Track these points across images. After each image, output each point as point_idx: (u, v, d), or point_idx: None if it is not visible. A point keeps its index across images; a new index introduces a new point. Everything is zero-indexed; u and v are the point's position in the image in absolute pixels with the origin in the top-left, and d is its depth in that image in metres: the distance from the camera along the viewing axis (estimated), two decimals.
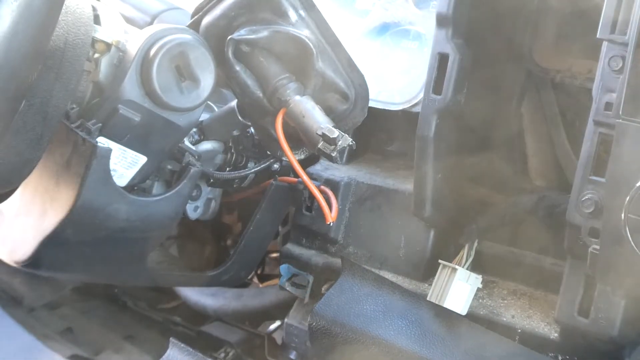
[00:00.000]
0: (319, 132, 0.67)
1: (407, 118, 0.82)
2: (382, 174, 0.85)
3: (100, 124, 0.68)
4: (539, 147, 0.82)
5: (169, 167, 0.77)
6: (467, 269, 0.75)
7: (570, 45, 0.77)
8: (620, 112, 0.62)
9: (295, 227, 0.87)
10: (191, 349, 0.83)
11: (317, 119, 0.68)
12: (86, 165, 0.67)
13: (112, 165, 0.69)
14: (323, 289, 0.82)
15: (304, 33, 0.70)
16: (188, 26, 0.72)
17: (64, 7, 0.58)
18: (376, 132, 0.90)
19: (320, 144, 0.67)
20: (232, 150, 0.82)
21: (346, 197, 0.84)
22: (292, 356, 0.94)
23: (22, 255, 0.71)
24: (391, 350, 0.71)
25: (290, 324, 0.84)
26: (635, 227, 0.60)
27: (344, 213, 0.84)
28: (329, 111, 0.72)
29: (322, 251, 0.85)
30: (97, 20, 0.71)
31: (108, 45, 0.71)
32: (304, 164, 0.81)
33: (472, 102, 0.75)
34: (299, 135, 0.71)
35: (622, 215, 0.60)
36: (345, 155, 0.88)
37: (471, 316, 0.74)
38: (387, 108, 0.83)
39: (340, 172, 0.86)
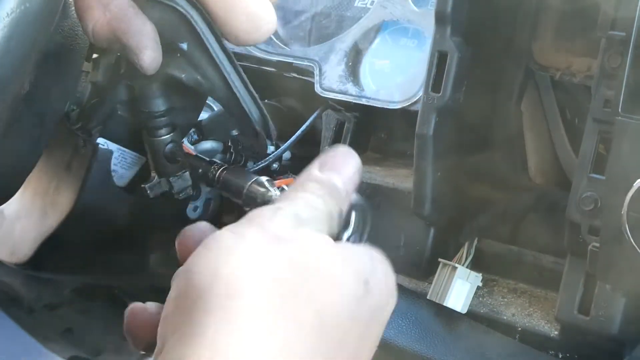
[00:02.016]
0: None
1: (406, 116, 0.82)
2: (382, 172, 0.85)
3: (100, 126, 0.68)
4: (539, 145, 0.82)
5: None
6: (467, 267, 0.75)
7: (570, 43, 0.77)
8: (620, 110, 0.62)
9: None
10: None
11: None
12: (87, 167, 0.67)
13: (112, 166, 0.69)
14: None
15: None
16: None
17: (61, 8, 0.58)
18: (375, 131, 0.90)
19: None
20: (231, 150, 0.82)
21: None
22: None
23: (22, 256, 0.71)
24: (391, 349, 0.71)
25: None
26: (635, 225, 0.60)
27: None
28: None
29: None
30: None
31: None
32: (305, 163, 0.81)
33: (472, 100, 0.75)
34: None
35: (622, 212, 0.60)
36: None
37: (471, 314, 0.74)
38: (386, 107, 0.83)
39: None
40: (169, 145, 0.70)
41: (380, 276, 0.42)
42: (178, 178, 0.72)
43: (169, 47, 0.61)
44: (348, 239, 0.46)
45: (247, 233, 0.40)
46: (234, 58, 0.64)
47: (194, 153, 0.75)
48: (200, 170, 0.70)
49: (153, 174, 0.72)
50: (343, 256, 0.41)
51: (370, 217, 0.49)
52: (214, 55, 0.61)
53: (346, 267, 0.40)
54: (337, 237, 0.45)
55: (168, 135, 0.70)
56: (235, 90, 0.63)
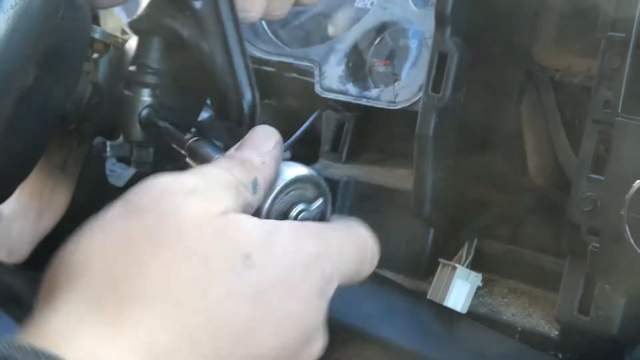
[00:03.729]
0: None
1: (406, 117, 0.82)
2: (382, 173, 0.85)
3: (95, 127, 0.68)
4: (539, 146, 0.82)
5: (168, 166, 0.77)
6: (467, 267, 0.75)
7: (570, 44, 0.77)
8: (619, 110, 0.62)
9: None
10: None
11: None
12: (81, 168, 0.67)
13: (110, 166, 0.69)
14: None
15: None
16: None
17: (62, 8, 0.58)
18: (376, 132, 0.90)
19: None
20: None
21: (346, 196, 0.84)
22: None
23: (19, 256, 0.71)
24: (391, 349, 0.71)
25: None
26: (635, 225, 0.60)
27: (344, 212, 0.84)
28: None
29: None
30: (96, 20, 0.71)
31: (106, 46, 0.71)
32: (305, 163, 0.81)
33: (472, 101, 0.75)
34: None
35: (622, 213, 0.60)
36: None
37: (471, 314, 0.74)
38: (386, 107, 0.83)
39: (339, 171, 0.85)
40: (147, 110, 0.67)
41: (276, 251, 0.40)
42: (142, 149, 0.68)
43: (181, 3, 0.59)
44: (271, 207, 0.46)
45: (111, 207, 0.40)
46: (243, 35, 0.61)
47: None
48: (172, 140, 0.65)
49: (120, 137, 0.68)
50: (219, 227, 0.39)
51: (326, 190, 0.50)
52: (224, 22, 0.59)
53: (217, 238, 0.38)
54: (260, 207, 0.45)
55: (149, 98, 0.67)
56: (235, 66, 0.61)
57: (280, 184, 0.47)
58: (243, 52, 0.61)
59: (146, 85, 0.66)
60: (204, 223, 0.38)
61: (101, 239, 0.38)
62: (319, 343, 0.44)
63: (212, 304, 0.36)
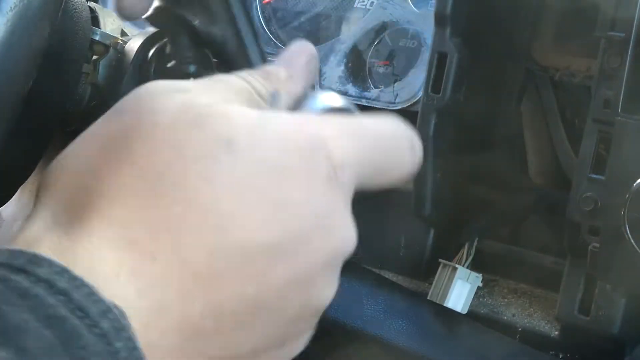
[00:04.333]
0: None
1: (406, 117, 0.82)
2: None
3: None
4: (539, 146, 0.82)
5: None
6: (467, 267, 0.75)
7: (570, 43, 0.77)
8: (619, 110, 0.62)
9: None
10: None
11: None
12: None
13: None
14: None
15: None
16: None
17: (61, 10, 0.58)
18: None
19: None
20: None
21: None
22: None
23: None
24: (392, 349, 0.71)
25: None
26: (635, 225, 0.60)
27: None
28: None
29: None
30: (95, 22, 0.71)
31: (106, 47, 0.71)
32: None
33: (472, 101, 0.75)
34: None
35: (622, 212, 0.60)
36: None
37: (472, 315, 0.74)
38: (386, 107, 0.84)
39: None
40: None
41: (267, 134, 0.35)
42: None
43: None
44: None
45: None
46: (253, 19, 0.61)
47: None
48: None
49: None
50: (198, 116, 0.34)
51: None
52: (232, 5, 0.59)
53: (195, 126, 0.34)
54: None
55: None
56: (248, 51, 0.60)
57: (308, 108, 0.40)
58: (254, 35, 0.60)
59: (187, 75, 0.66)
60: (182, 113, 0.34)
61: (79, 142, 0.35)
62: (342, 232, 0.36)
63: (189, 193, 0.33)
